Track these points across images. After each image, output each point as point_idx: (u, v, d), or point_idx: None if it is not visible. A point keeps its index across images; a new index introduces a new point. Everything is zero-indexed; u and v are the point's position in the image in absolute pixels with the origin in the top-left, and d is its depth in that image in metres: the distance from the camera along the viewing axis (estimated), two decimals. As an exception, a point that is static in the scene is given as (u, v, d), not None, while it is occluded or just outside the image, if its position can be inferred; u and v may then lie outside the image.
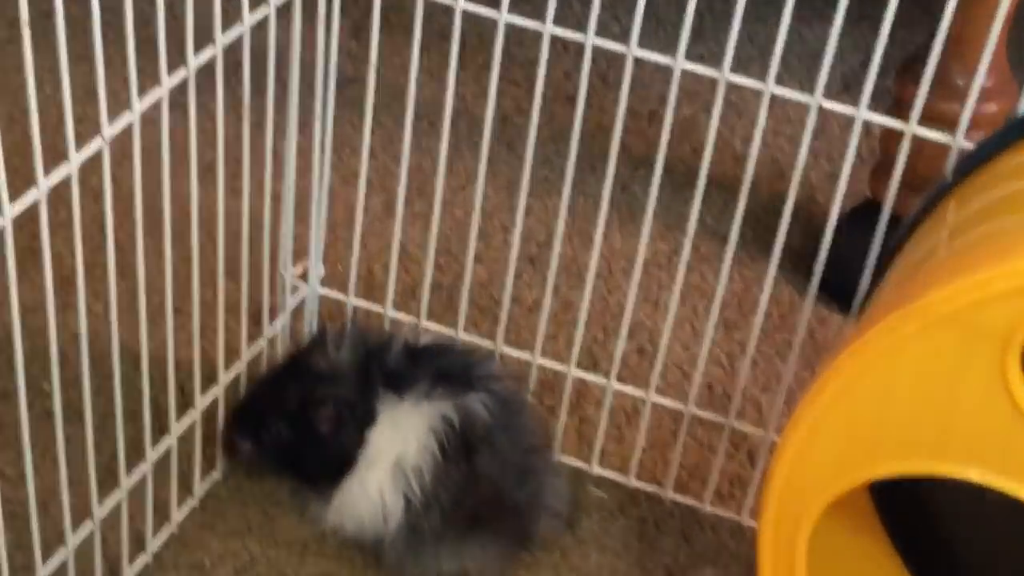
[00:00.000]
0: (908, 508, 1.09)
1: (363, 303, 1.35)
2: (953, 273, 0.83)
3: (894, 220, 1.18)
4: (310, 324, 1.37)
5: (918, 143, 1.12)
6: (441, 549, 1.19)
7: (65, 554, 1.10)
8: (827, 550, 0.98)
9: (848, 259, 1.21)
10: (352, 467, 1.19)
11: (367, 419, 1.19)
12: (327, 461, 1.19)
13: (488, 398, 1.19)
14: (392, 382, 1.19)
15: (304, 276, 1.35)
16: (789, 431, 0.92)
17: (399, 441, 1.18)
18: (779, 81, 1.12)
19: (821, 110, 1.12)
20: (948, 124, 1.12)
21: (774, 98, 1.12)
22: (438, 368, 1.20)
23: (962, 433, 0.85)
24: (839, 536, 1.02)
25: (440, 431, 1.17)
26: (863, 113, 1.12)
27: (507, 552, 1.22)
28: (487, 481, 1.18)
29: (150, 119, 1.00)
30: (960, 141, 1.09)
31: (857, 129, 1.12)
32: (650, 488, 1.31)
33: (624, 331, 1.24)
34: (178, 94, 1.03)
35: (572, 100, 1.72)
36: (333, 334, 1.22)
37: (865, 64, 1.13)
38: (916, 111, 1.10)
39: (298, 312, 1.37)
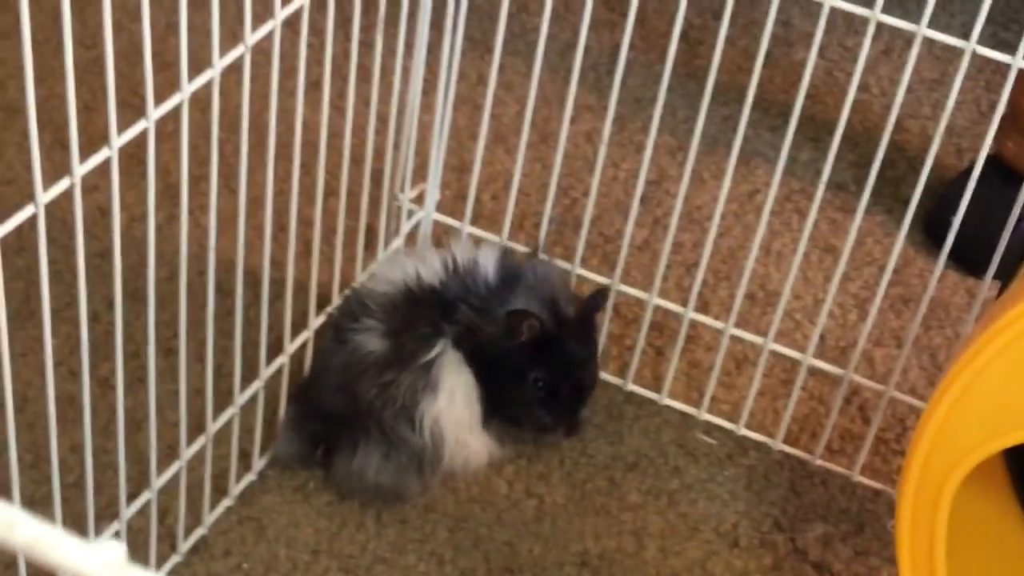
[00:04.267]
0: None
1: (478, 231, 1.32)
2: None
3: (1014, 176, 1.14)
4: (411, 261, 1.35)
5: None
6: None
7: (179, 466, 1.08)
8: (961, 518, 0.96)
9: (969, 217, 1.17)
10: None
11: None
12: None
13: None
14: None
15: (419, 200, 1.32)
16: (941, 391, 0.89)
17: None
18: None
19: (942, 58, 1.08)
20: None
21: (892, 41, 1.08)
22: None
23: None
24: (974, 504, 0.99)
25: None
26: (971, 45, 1.08)
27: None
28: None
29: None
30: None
31: (966, 60, 1.08)
32: (759, 438, 1.28)
33: (746, 277, 1.22)
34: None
35: (686, 37, 1.69)
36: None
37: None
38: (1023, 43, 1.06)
39: (411, 237, 1.34)
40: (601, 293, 1.23)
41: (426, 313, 1.16)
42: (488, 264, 1.19)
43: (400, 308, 1.16)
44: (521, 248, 1.31)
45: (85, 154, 0.85)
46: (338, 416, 1.17)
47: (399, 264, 1.20)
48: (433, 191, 1.32)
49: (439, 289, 1.17)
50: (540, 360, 1.17)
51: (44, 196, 0.82)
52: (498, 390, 1.18)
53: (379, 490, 1.18)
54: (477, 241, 1.28)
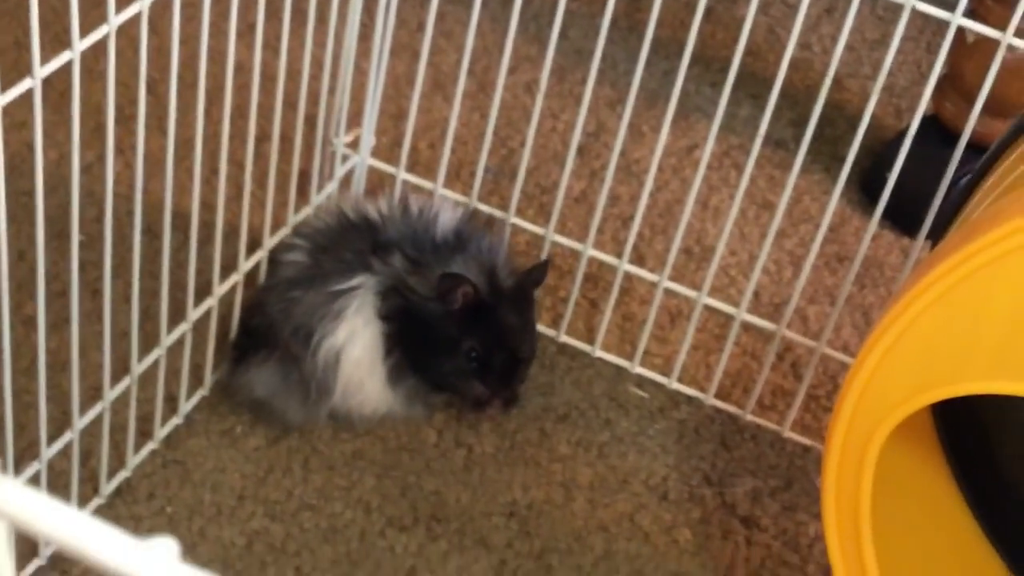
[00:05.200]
0: (966, 429, 1.07)
1: (413, 178, 1.31)
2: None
3: (952, 137, 1.15)
4: (356, 194, 1.34)
5: (989, 57, 1.08)
6: None
7: (102, 407, 1.07)
8: (889, 475, 0.96)
9: (905, 177, 1.17)
10: None
11: None
12: None
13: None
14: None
15: (354, 145, 1.31)
16: (870, 345, 0.89)
17: None
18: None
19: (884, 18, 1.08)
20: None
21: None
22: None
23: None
24: (901, 461, 1.00)
25: None
26: (911, 1, 1.07)
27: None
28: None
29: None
30: (1010, 38, 1.05)
31: (905, 16, 1.07)
32: (691, 392, 1.28)
33: (681, 230, 1.21)
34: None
35: (629, -11, 1.68)
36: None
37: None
38: (962, 1, 1.05)
39: (345, 182, 1.33)
40: (540, 266, 1.21)
41: (354, 242, 1.16)
42: (447, 222, 1.18)
43: (329, 233, 1.18)
44: (461, 198, 1.30)
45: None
46: (253, 330, 1.19)
47: (346, 199, 1.22)
48: (368, 137, 1.31)
49: (374, 222, 1.17)
50: (474, 329, 1.16)
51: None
52: (430, 358, 1.17)
53: (263, 406, 1.18)
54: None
